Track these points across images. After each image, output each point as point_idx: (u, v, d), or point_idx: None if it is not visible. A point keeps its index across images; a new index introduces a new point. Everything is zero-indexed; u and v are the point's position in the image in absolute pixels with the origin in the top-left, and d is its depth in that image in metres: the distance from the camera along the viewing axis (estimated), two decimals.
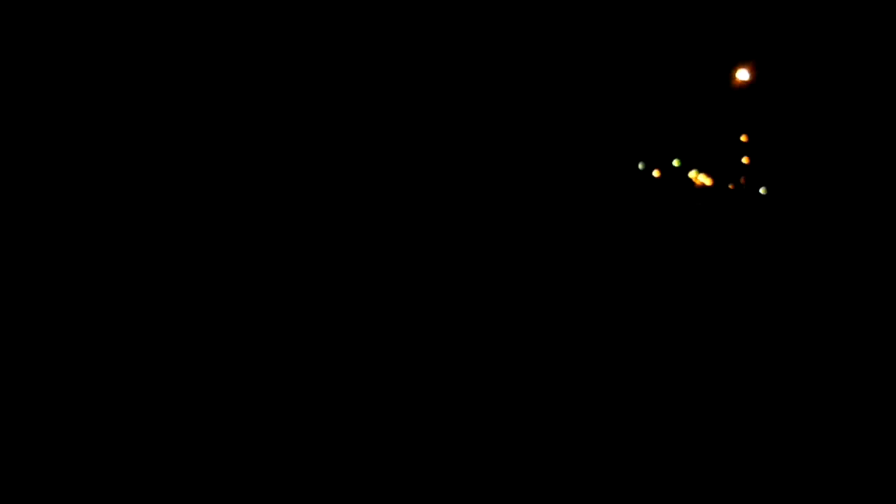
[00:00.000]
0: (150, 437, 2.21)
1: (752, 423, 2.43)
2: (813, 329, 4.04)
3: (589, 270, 6.63)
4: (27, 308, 4.16)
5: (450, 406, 2.55)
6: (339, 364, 3.11)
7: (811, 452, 2.18)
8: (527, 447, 2.17)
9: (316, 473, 1.96)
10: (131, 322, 3.87)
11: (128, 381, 2.80)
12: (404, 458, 2.06)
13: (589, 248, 9.45)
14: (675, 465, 2.06)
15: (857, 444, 2.24)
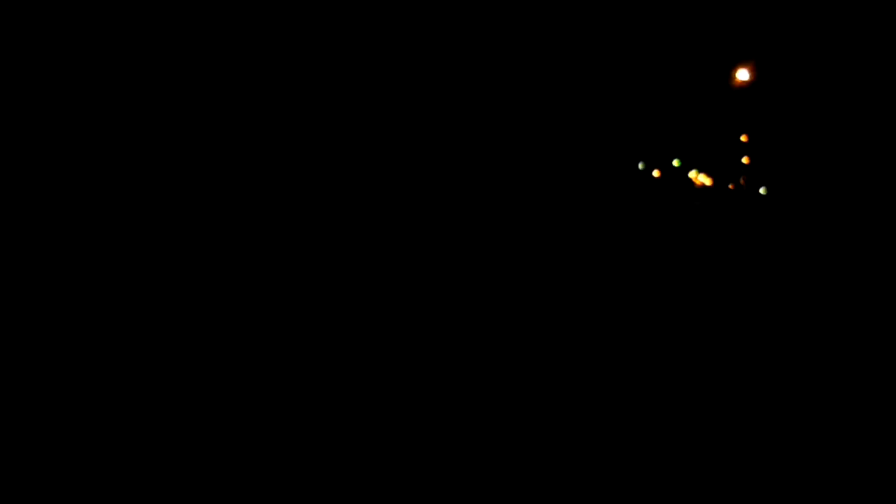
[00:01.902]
0: (149, 437, 2.21)
1: (752, 422, 2.43)
2: (813, 328, 4.04)
3: (589, 270, 6.63)
4: (27, 308, 4.16)
5: (449, 406, 2.55)
6: (339, 363, 3.11)
7: (811, 452, 2.18)
8: (527, 447, 2.17)
9: (316, 473, 1.96)
10: (130, 321, 3.87)
11: (127, 380, 2.80)
12: (404, 458, 2.06)
13: (589, 247, 9.44)
14: (675, 464, 2.06)
15: (857, 444, 2.23)
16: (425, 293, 4.96)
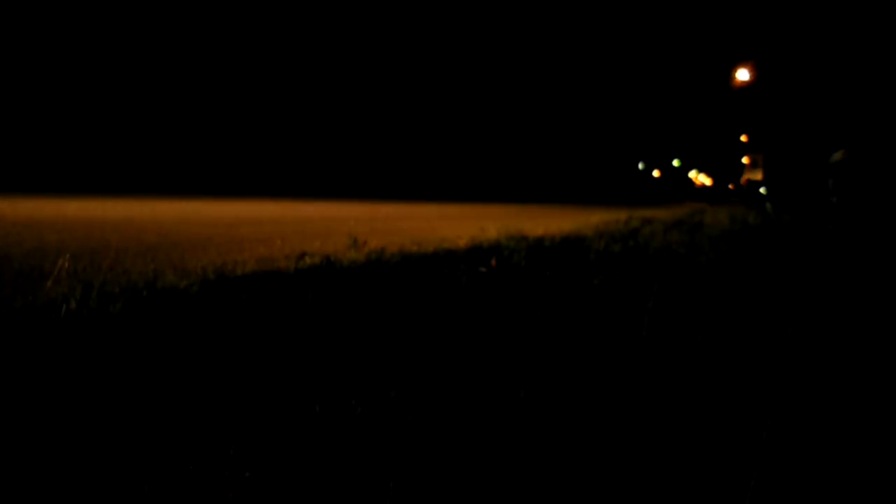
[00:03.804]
0: (146, 436, 2.21)
1: (753, 423, 2.42)
2: (813, 329, 4.04)
3: (588, 269, 6.63)
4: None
5: (449, 405, 2.54)
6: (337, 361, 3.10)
7: (811, 452, 2.17)
8: (526, 446, 2.16)
9: (315, 473, 1.95)
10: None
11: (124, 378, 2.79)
12: (403, 458, 2.05)
13: (588, 246, 9.44)
14: (675, 464, 2.05)
15: (857, 444, 2.23)
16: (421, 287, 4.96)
